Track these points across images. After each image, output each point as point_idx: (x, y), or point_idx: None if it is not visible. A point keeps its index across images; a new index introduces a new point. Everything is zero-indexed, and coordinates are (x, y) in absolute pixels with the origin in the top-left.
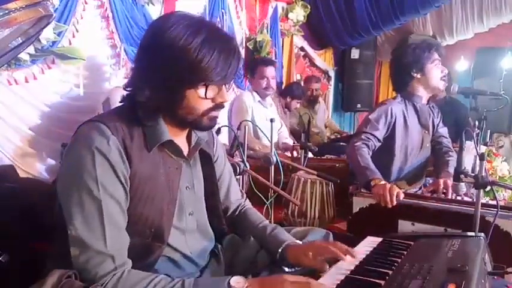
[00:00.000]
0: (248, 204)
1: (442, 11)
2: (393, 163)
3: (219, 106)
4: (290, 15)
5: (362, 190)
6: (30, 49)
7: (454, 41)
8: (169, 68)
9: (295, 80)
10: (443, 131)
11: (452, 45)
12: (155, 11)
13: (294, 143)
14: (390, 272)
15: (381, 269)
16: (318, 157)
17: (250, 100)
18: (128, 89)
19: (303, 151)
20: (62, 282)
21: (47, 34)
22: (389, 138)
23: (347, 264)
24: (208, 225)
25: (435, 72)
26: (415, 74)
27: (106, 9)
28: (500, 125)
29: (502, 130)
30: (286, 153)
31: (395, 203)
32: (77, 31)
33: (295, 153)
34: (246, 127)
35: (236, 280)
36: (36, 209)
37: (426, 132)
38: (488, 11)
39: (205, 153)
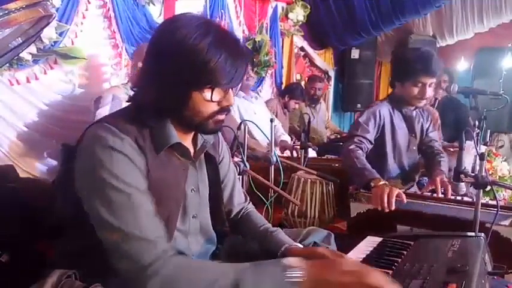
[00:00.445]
0: (251, 207)
1: (442, 11)
2: (387, 162)
3: (224, 109)
4: (290, 15)
5: (362, 190)
6: (32, 49)
7: (454, 41)
8: (176, 69)
9: (295, 80)
10: (434, 135)
11: (452, 45)
12: (155, 11)
13: (294, 142)
14: (390, 272)
15: (381, 269)
16: (318, 157)
17: (234, 98)
18: (135, 88)
19: (303, 151)
20: (62, 282)
21: (49, 34)
22: (380, 138)
23: None
24: (210, 227)
25: (412, 90)
26: (397, 82)
27: (108, 9)
28: (500, 124)
29: (501, 130)
30: (285, 154)
31: (393, 207)
32: (81, 31)
33: (295, 153)
34: (246, 127)
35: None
36: (37, 209)
37: (413, 135)
38: (488, 11)
39: (210, 155)
